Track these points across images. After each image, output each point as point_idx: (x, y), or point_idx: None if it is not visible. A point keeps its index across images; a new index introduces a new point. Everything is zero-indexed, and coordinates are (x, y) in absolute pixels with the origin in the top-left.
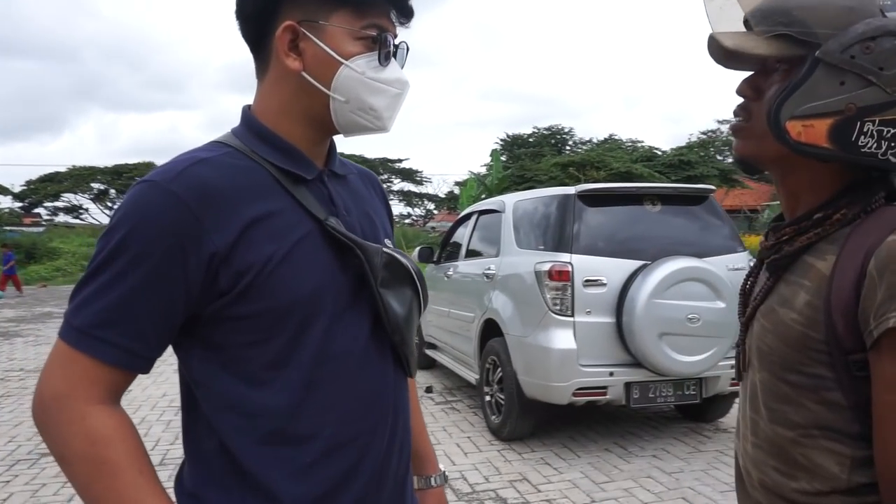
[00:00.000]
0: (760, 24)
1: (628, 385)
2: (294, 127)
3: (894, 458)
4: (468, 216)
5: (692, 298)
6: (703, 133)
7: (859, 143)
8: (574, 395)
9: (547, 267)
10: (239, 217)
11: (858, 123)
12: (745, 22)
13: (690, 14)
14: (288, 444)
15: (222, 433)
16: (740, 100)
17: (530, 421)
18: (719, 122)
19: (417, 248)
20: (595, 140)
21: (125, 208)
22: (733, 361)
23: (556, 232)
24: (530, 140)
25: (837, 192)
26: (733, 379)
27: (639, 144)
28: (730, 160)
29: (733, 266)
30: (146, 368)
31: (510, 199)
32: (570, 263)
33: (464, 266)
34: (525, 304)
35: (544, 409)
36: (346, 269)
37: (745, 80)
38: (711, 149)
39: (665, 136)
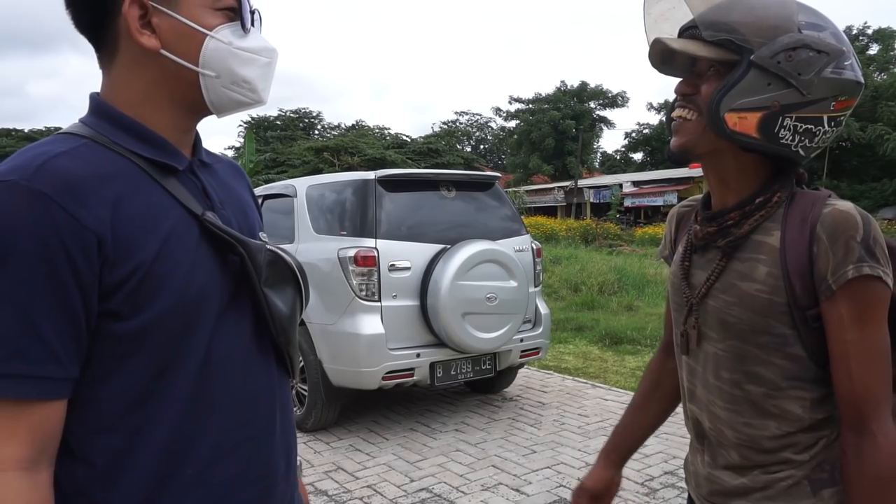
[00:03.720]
0: (708, 29)
1: (433, 365)
2: (160, 114)
3: (858, 384)
4: None
5: (489, 279)
6: (445, 123)
7: (779, 135)
8: (384, 378)
9: (352, 253)
10: (117, 212)
11: (780, 118)
12: (683, 32)
13: (436, 8)
14: (174, 457)
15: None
16: None
17: (335, 409)
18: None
19: None
20: (344, 126)
21: None
22: (525, 335)
23: (359, 217)
24: (278, 123)
25: (767, 180)
26: (524, 351)
27: (386, 131)
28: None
29: (519, 247)
30: (67, 391)
31: (301, 184)
32: (375, 249)
33: None
34: (328, 292)
35: (349, 397)
36: (226, 267)
37: (683, 81)
38: (453, 139)
39: (410, 124)
